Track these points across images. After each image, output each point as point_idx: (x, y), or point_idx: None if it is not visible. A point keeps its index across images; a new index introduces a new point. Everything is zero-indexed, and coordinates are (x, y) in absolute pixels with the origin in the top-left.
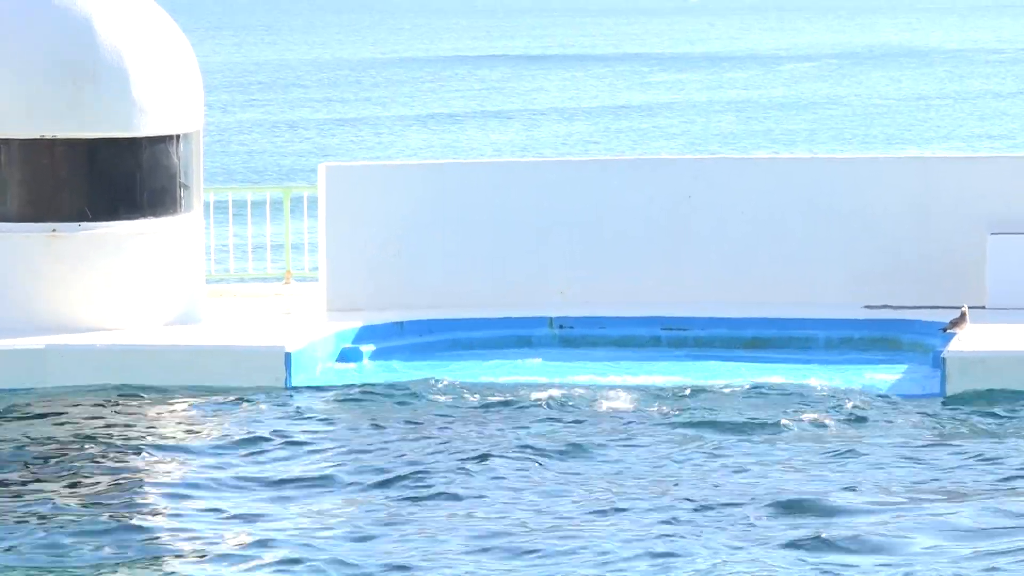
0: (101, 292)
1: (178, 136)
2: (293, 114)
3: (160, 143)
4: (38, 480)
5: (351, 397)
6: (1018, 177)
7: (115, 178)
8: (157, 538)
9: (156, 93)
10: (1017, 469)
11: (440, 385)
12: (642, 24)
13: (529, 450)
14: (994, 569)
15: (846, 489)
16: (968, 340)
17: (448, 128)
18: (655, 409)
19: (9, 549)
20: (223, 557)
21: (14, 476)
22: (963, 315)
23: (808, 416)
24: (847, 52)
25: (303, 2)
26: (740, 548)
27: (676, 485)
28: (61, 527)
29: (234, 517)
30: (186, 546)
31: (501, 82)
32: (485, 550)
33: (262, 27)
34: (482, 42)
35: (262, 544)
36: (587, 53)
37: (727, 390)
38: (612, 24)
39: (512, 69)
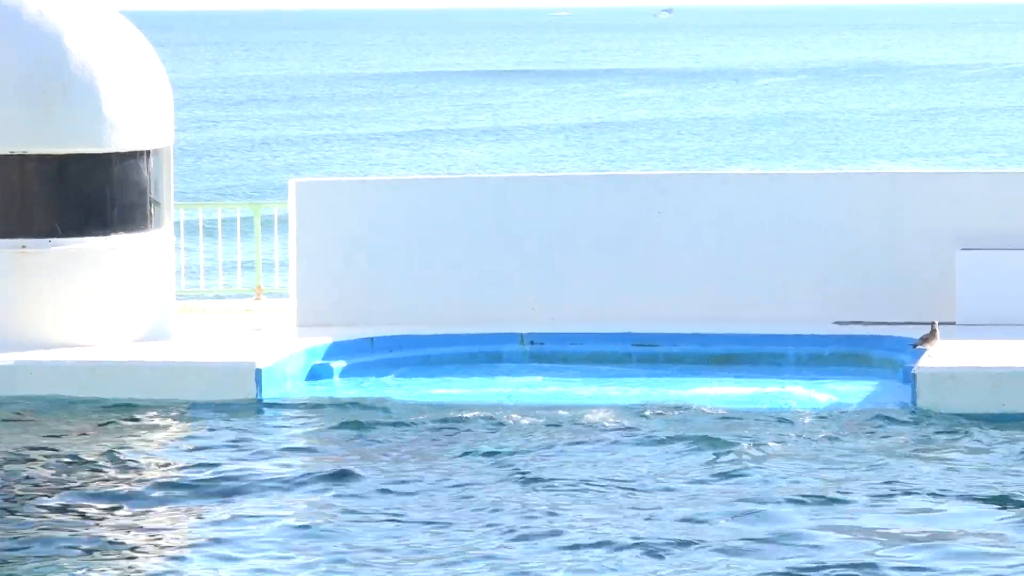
0: (71, 308)
1: (148, 152)
2: (264, 130)
3: (130, 159)
4: (4, 495)
5: (321, 413)
6: (988, 193)
7: (85, 194)
8: (122, 553)
9: (126, 109)
10: (989, 484)
11: (410, 402)
12: (614, 40)
13: (498, 467)
14: None
15: (818, 504)
16: (938, 356)
17: (421, 143)
18: (625, 426)
19: None
20: (189, 572)
21: None
22: (933, 331)
23: (778, 433)
24: (820, 68)
25: (276, 19)
26: (708, 568)
27: (647, 505)
28: (25, 541)
29: (201, 533)
30: (152, 562)
31: (475, 97)
32: (449, 565)
33: (235, 43)
34: (457, 57)
35: (228, 559)
36: (560, 69)
37: (697, 407)
38: (585, 40)
39: (486, 84)
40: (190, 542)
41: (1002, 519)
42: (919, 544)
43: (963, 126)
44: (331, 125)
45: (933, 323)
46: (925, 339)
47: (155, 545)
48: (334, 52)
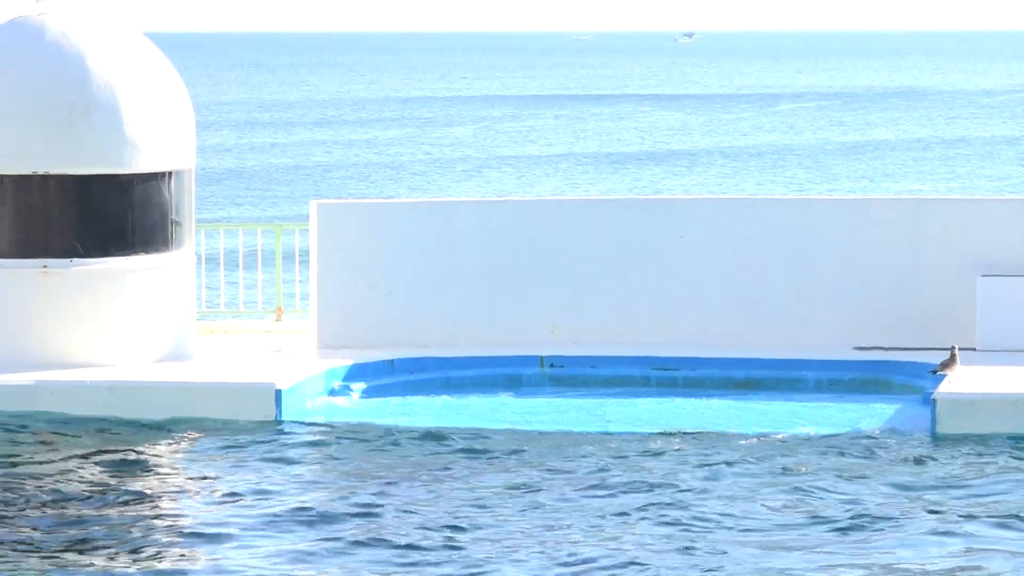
0: (92, 328)
1: (170, 173)
2: (288, 151)
3: (152, 180)
4: (23, 514)
5: (341, 435)
6: (1008, 219)
7: (107, 215)
8: (135, 570)
9: (148, 130)
10: (1010, 510)
11: (429, 424)
12: (636, 64)
13: (518, 492)
14: None
15: (837, 531)
16: (958, 382)
17: (446, 168)
18: (645, 450)
19: None
20: None
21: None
22: (953, 356)
23: (798, 457)
24: (843, 93)
25: (298, 42)
26: None
27: (666, 528)
28: (43, 562)
29: (216, 552)
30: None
31: (497, 121)
32: None
33: (256, 65)
34: (481, 81)
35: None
36: (582, 93)
37: (717, 431)
38: (607, 64)
39: (509, 109)
40: (200, 563)
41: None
42: (941, 569)
43: (986, 152)
44: (355, 147)
45: (953, 348)
46: (945, 364)
47: (165, 564)
48: (350, 74)
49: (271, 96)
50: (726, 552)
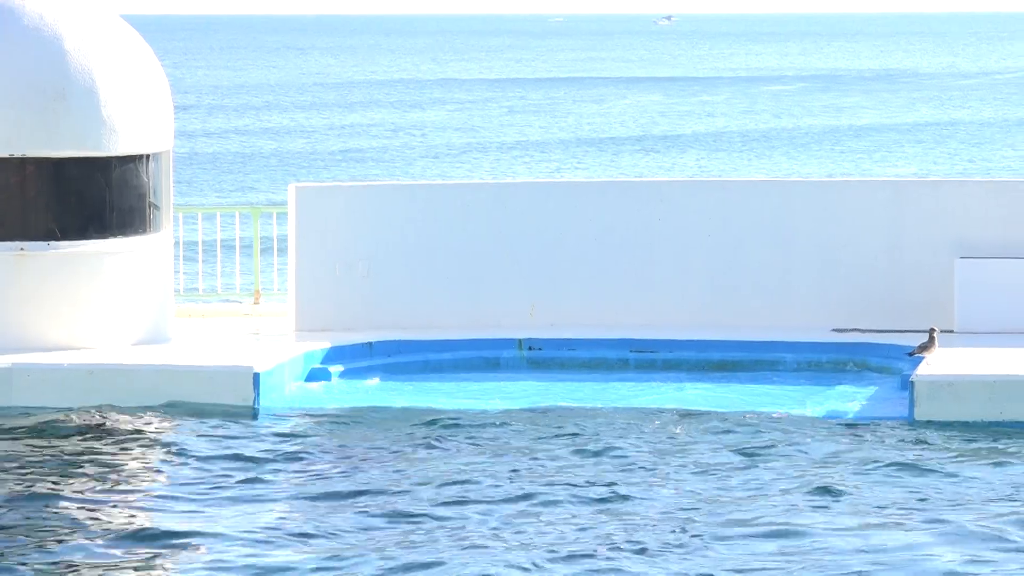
0: (69, 311)
1: (148, 156)
2: (268, 134)
3: (130, 163)
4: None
5: (319, 418)
6: (986, 201)
7: (84, 197)
8: (118, 555)
9: (126, 113)
10: (985, 492)
11: (408, 406)
12: (614, 47)
13: (496, 474)
14: None
15: (815, 510)
16: (936, 364)
17: (425, 152)
18: (624, 431)
19: None
20: (173, 568)
21: None
22: (932, 339)
23: (775, 439)
24: (826, 75)
25: (278, 24)
26: (705, 573)
27: (643, 510)
28: (18, 545)
29: (197, 535)
30: (148, 563)
31: (477, 104)
32: (446, 570)
33: (236, 48)
34: (459, 64)
35: (222, 564)
36: (562, 76)
37: (695, 413)
38: (585, 47)
39: (489, 92)
40: (182, 545)
41: (1002, 520)
42: (922, 548)
43: (964, 134)
44: (335, 130)
45: (932, 330)
46: (923, 347)
47: (147, 548)
48: (328, 57)
49: (251, 79)
50: (702, 535)
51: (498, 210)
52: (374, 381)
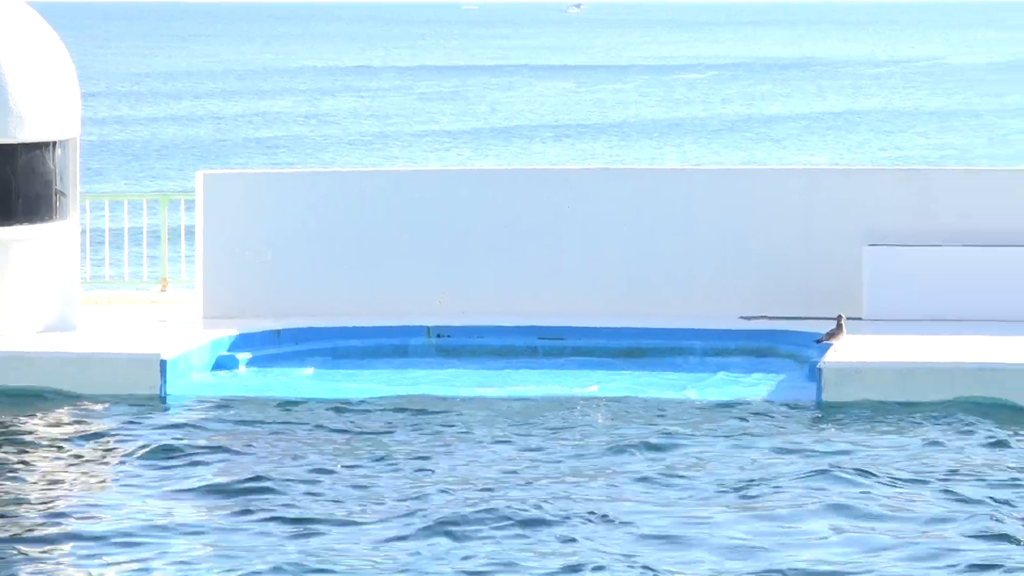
0: None
1: (54, 143)
2: (178, 121)
3: (36, 150)
4: None
5: (226, 405)
6: (895, 189)
7: None
8: (19, 546)
9: (32, 100)
10: (892, 479)
11: (315, 395)
12: (527, 36)
13: (401, 461)
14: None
15: (721, 493)
16: (844, 351)
17: (335, 140)
18: (533, 419)
19: None
20: (80, 562)
21: None
22: (839, 326)
23: (683, 426)
24: (738, 64)
25: (189, 11)
26: (602, 568)
27: (550, 496)
28: None
29: (101, 522)
30: (47, 553)
31: (389, 92)
32: (351, 558)
33: (147, 36)
34: (373, 52)
35: (126, 552)
36: (472, 64)
37: (602, 400)
38: (496, 35)
39: (401, 79)
40: (83, 536)
41: (900, 500)
42: (823, 535)
43: (878, 123)
44: (246, 119)
45: (839, 317)
46: (831, 334)
47: (48, 538)
48: (239, 44)
49: (161, 67)
50: (605, 521)
51: (408, 198)
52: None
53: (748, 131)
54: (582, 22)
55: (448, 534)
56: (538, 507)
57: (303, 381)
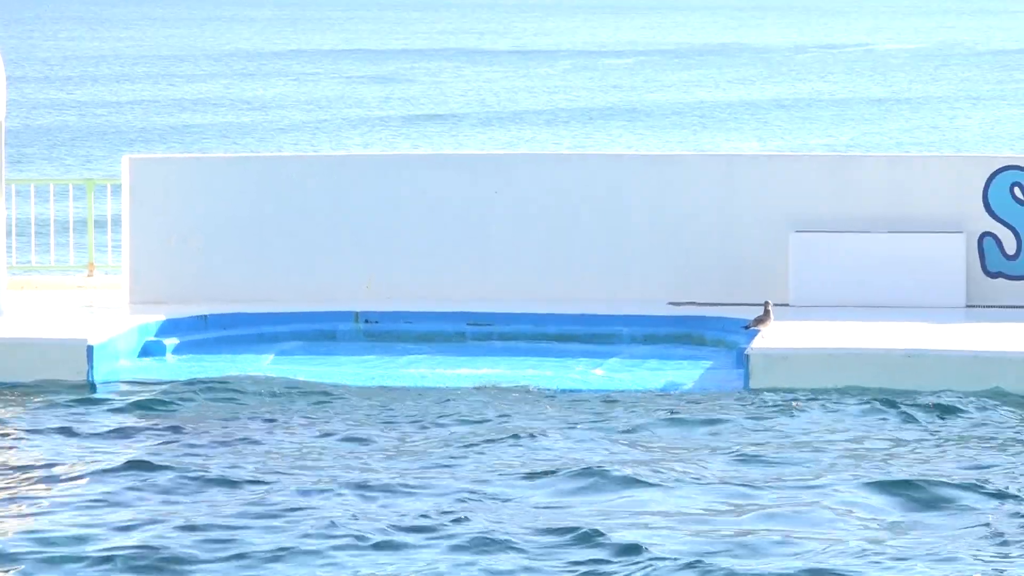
0: None
1: None
2: (102, 106)
3: None
4: None
5: (153, 391)
6: (820, 176)
7: None
8: None
9: None
10: (816, 464)
11: (242, 380)
12: (451, 19)
13: (326, 448)
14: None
15: (649, 483)
16: (771, 337)
17: (259, 125)
18: (458, 405)
19: None
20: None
21: None
22: (767, 312)
23: (609, 413)
24: (664, 49)
25: None
26: (527, 566)
27: (479, 482)
28: None
29: (26, 520)
30: None
31: (317, 77)
32: (277, 549)
33: (75, 19)
34: (302, 36)
35: (50, 542)
36: (398, 48)
37: (529, 387)
38: (420, 18)
39: (328, 64)
40: (12, 520)
41: (830, 486)
42: (746, 521)
43: (801, 111)
44: (174, 104)
45: (767, 303)
46: (759, 320)
47: None
48: (169, 28)
49: (88, 50)
50: (545, 505)
51: (334, 183)
52: (209, 354)
53: (673, 116)
54: (509, 7)
55: (355, 536)
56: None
57: (229, 366)
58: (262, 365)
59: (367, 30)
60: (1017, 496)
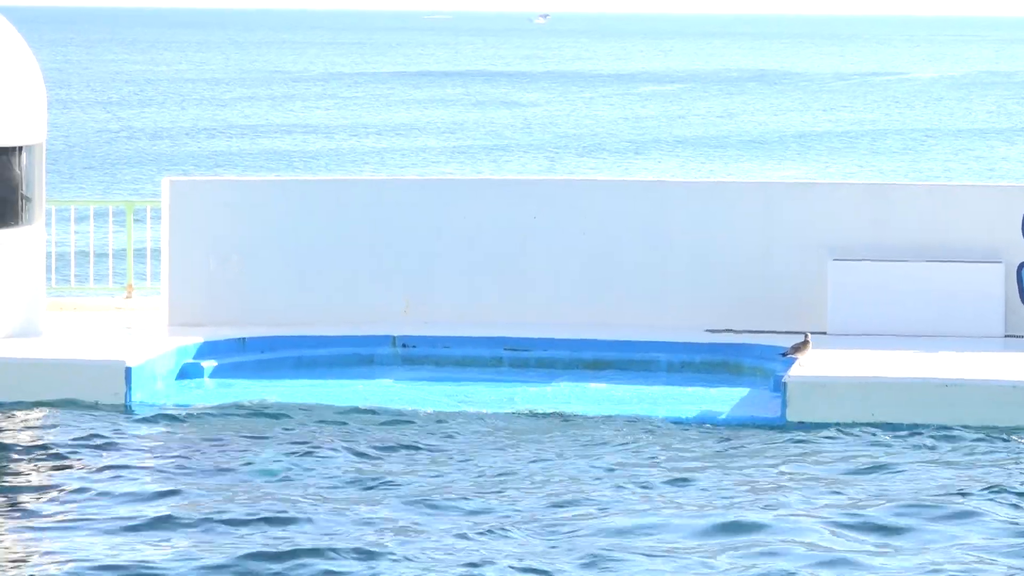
0: None
1: (20, 148)
2: (145, 127)
3: (2, 155)
4: None
5: (190, 414)
6: (859, 204)
7: None
8: None
9: None
10: (856, 493)
11: (280, 404)
12: (492, 44)
13: (366, 471)
14: None
15: (681, 511)
16: (809, 365)
17: (307, 148)
18: (496, 430)
19: None
20: (44, 571)
21: None
22: (806, 340)
23: (647, 440)
24: (702, 75)
25: (152, 16)
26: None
27: (514, 509)
28: None
29: (64, 531)
30: (13, 563)
31: (356, 101)
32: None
33: (114, 41)
34: (340, 59)
35: (87, 560)
36: (434, 70)
37: (566, 412)
38: (462, 42)
39: (373, 85)
40: (48, 539)
41: (865, 519)
42: (780, 550)
43: (845, 138)
44: (217, 126)
45: (806, 333)
46: (797, 348)
47: (12, 544)
48: (209, 51)
49: (127, 73)
50: (572, 531)
51: (373, 207)
52: (247, 377)
53: (715, 144)
54: (546, 32)
55: (410, 544)
56: (506, 516)
57: (267, 390)
58: (300, 389)
59: (414, 54)
60: None
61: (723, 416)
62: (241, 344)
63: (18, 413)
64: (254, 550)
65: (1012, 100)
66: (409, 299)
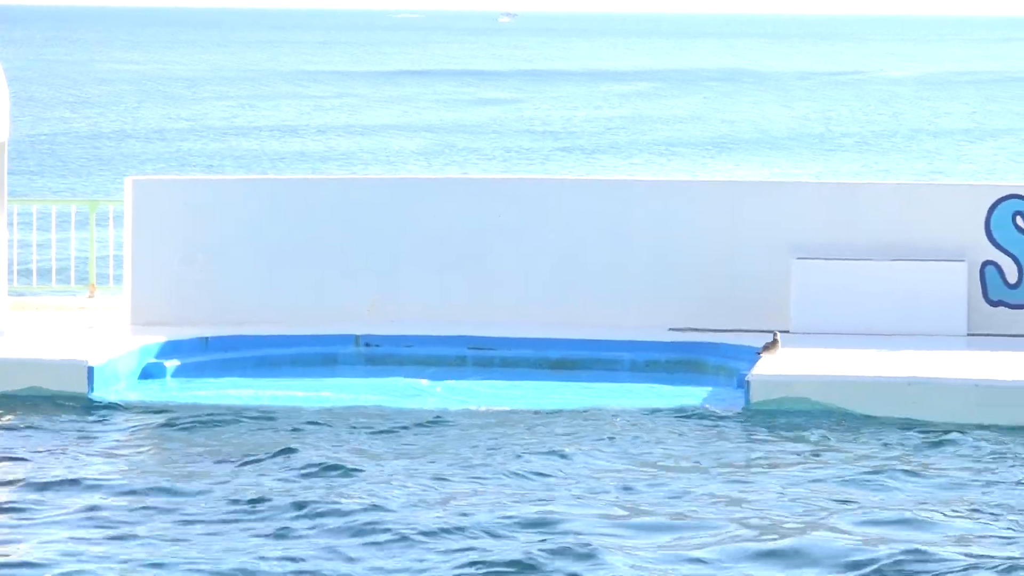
0: None
1: None
2: (105, 126)
3: None
4: None
5: (152, 413)
6: (822, 203)
7: None
8: None
9: None
10: (816, 492)
11: (242, 402)
12: (462, 43)
13: (328, 472)
14: None
15: (641, 513)
16: (773, 363)
17: (273, 141)
18: (460, 429)
19: None
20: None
21: None
22: (775, 340)
23: (611, 438)
24: (667, 73)
25: (119, 15)
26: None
27: (474, 507)
28: None
29: (21, 529)
30: None
31: (321, 99)
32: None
33: (76, 41)
34: (312, 57)
35: (46, 560)
36: (405, 69)
37: (530, 411)
38: (431, 41)
39: (334, 86)
40: (10, 550)
41: (822, 516)
42: (747, 547)
43: (810, 137)
44: (180, 124)
45: (775, 333)
46: (767, 347)
47: None
48: (179, 50)
49: (96, 72)
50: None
51: (338, 206)
52: (209, 376)
53: (675, 144)
54: (511, 31)
55: (373, 544)
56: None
57: (230, 389)
58: (262, 388)
59: (384, 53)
60: (1010, 526)
61: (687, 414)
62: (204, 344)
63: None
64: (217, 548)
65: (978, 98)
66: (377, 298)
